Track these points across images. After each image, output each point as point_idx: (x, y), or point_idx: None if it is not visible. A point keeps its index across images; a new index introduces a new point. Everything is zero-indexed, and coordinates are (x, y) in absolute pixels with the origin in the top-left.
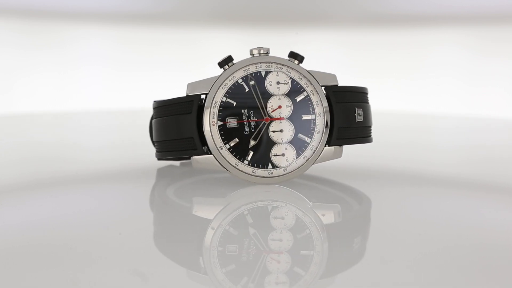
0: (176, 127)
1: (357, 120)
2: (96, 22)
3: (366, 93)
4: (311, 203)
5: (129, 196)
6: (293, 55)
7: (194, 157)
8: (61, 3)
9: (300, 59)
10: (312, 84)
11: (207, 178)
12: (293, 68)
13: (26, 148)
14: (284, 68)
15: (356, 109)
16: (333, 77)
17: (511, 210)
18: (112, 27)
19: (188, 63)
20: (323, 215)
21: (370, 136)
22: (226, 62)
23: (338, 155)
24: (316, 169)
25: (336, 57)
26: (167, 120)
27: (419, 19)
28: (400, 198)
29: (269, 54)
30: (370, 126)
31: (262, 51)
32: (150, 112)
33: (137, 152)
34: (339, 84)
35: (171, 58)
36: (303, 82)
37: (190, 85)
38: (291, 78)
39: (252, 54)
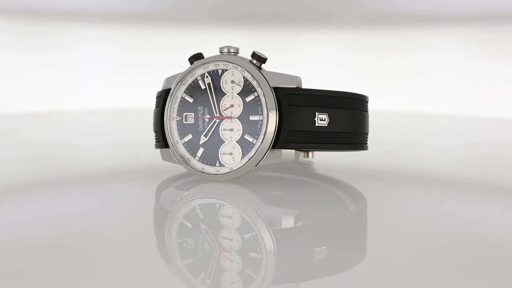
0: (153, 119)
1: (317, 125)
2: (96, 22)
3: (354, 99)
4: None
5: (129, 196)
6: (253, 56)
7: (160, 149)
8: (61, 3)
9: (262, 60)
10: (261, 85)
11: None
12: (246, 69)
13: (26, 148)
14: (239, 68)
15: (317, 113)
16: (292, 79)
17: (510, 210)
18: (112, 27)
19: (188, 63)
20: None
21: (355, 143)
22: (195, 58)
23: (291, 158)
24: (317, 168)
25: (336, 57)
26: (153, 113)
27: (419, 19)
28: (399, 197)
29: (238, 54)
30: (358, 133)
31: (226, 50)
32: (149, 111)
33: (136, 152)
34: (339, 89)
35: (171, 58)
36: (255, 83)
37: (165, 80)
38: (244, 78)
39: (221, 52)
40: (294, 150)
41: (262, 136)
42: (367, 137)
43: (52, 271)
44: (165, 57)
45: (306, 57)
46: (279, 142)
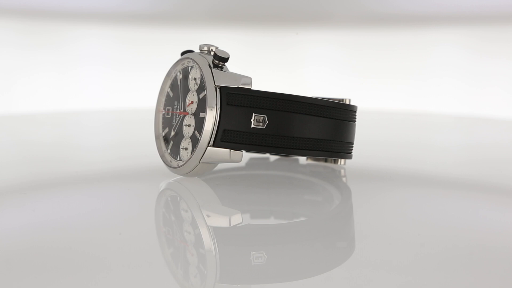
0: None
1: (252, 126)
2: (96, 22)
3: (311, 104)
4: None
5: (129, 196)
6: (215, 56)
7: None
8: (61, 3)
9: (222, 59)
10: (207, 83)
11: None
12: (201, 67)
13: (26, 148)
14: (198, 66)
15: (254, 114)
16: (237, 79)
17: (510, 211)
18: (112, 27)
19: None
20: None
21: (315, 150)
22: (184, 53)
23: (226, 157)
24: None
25: (336, 57)
26: None
27: (419, 19)
28: (399, 198)
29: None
30: (327, 140)
31: (200, 48)
32: (149, 111)
33: (137, 152)
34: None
35: (171, 58)
36: (205, 81)
37: None
38: (201, 76)
39: (200, 50)
40: (228, 150)
41: (202, 133)
42: (346, 145)
43: (52, 273)
44: (165, 57)
45: (306, 57)
46: (216, 140)
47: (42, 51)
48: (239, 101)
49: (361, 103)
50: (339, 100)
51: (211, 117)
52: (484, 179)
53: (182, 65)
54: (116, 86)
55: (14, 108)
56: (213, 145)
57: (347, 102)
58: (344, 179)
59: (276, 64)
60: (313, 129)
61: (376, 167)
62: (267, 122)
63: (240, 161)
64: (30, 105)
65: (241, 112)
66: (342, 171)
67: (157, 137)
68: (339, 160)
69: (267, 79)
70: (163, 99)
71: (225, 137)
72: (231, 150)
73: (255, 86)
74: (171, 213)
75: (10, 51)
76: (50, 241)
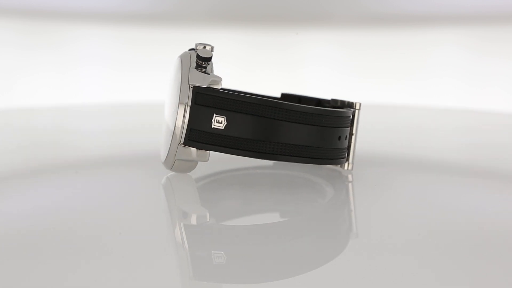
0: None
1: (212, 126)
2: (96, 22)
3: (271, 107)
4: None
5: (129, 185)
6: (197, 56)
7: None
8: (61, 3)
9: (204, 59)
10: (182, 82)
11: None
12: (182, 65)
13: (25, 137)
14: (181, 65)
15: (214, 115)
16: (205, 78)
17: (508, 198)
18: (112, 27)
19: None
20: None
21: (283, 154)
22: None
23: (193, 156)
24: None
25: (336, 57)
26: None
27: (419, 19)
28: (399, 195)
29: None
30: (298, 145)
31: (194, 46)
32: (149, 111)
33: (137, 149)
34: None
35: (171, 58)
36: (182, 80)
37: None
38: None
39: (195, 48)
40: (194, 149)
41: (174, 131)
42: (336, 151)
43: (52, 262)
44: (165, 57)
45: (306, 57)
46: (185, 139)
47: (42, 51)
48: (204, 100)
49: (361, 103)
50: (349, 103)
51: (180, 116)
52: (482, 164)
53: (179, 63)
54: (116, 86)
55: (14, 108)
56: (183, 143)
57: (358, 106)
58: (350, 184)
59: (276, 64)
60: (285, 134)
61: (377, 165)
62: (226, 123)
63: (207, 160)
64: (30, 105)
65: (204, 112)
66: (350, 176)
67: (163, 133)
68: (346, 165)
69: (267, 79)
70: (170, 96)
71: (192, 136)
72: (197, 150)
73: (253, 87)
74: (149, 209)
75: (10, 51)
76: (50, 230)
